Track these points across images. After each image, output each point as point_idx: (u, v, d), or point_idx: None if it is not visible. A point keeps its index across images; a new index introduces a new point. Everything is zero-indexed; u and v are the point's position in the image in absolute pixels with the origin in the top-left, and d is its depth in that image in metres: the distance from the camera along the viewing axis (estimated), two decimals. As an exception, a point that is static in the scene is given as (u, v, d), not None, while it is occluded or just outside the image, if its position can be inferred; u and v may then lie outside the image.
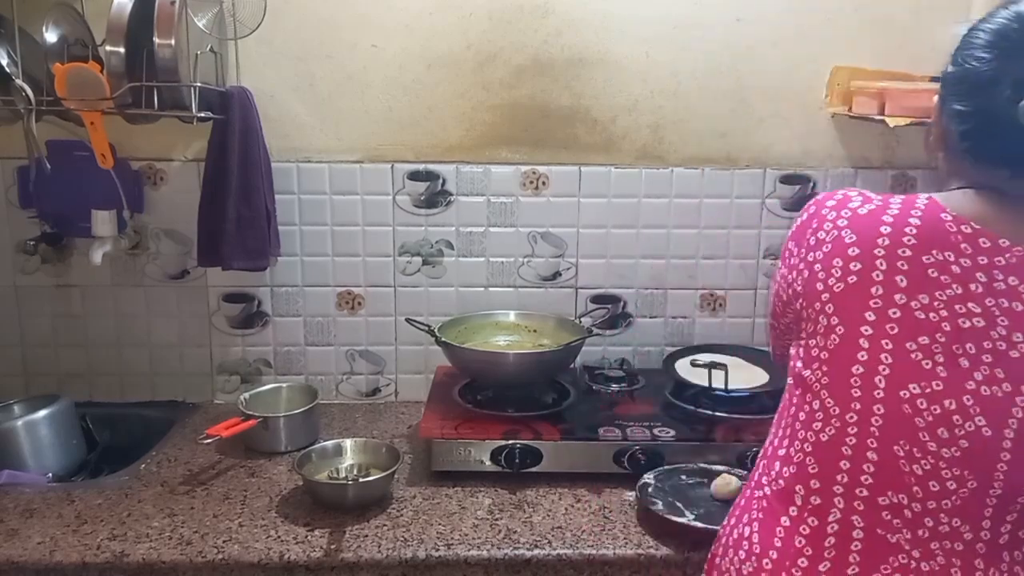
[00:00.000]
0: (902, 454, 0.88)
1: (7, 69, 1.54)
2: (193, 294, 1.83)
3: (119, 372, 1.87)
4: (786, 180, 1.83)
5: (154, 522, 1.37)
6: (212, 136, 1.66)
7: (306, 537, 1.33)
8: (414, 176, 1.80)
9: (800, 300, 0.96)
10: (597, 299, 1.88)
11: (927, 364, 0.87)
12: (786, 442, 0.98)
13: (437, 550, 1.30)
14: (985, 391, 0.86)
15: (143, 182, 1.77)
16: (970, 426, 0.86)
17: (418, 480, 1.52)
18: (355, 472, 1.50)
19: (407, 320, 1.78)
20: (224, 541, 1.31)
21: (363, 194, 1.80)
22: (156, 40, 1.46)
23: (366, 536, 1.33)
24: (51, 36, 1.52)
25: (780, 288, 1.03)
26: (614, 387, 1.73)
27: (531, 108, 1.78)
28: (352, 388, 1.91)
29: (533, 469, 1.50)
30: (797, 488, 0.94)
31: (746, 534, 1.00)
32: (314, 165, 1.78)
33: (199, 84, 1.52)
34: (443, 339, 1.64)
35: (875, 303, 0.88)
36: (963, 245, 0.88)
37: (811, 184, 1.83)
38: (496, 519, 1.39)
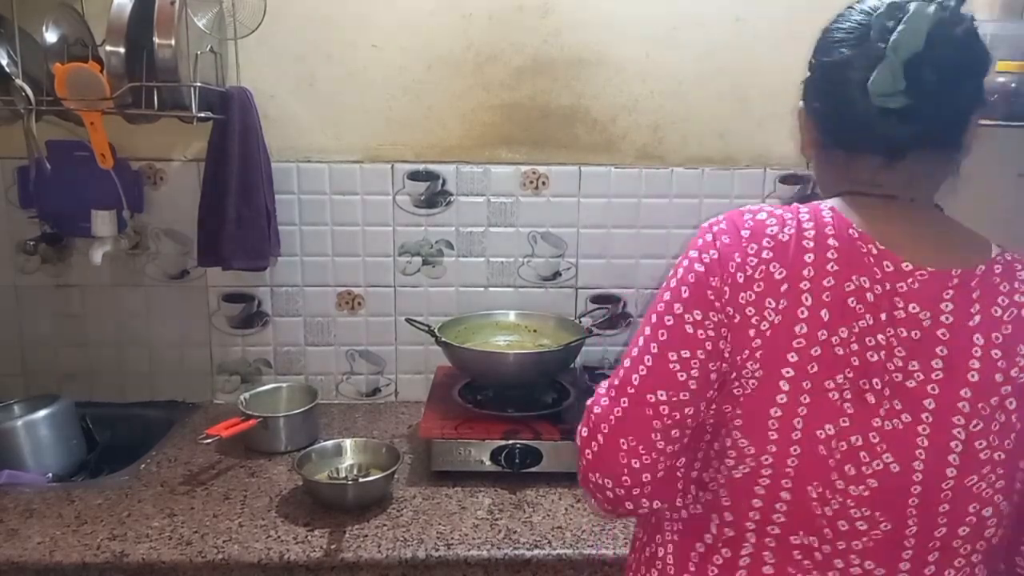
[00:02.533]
0: (815, 495, 0.83)
1: (7, 69, 1.54)
2: (193, 294, 1.83)
3: (119, 372, 1.87)
4: (786, 180, 1.83)
5: (154, 522, 1.37)
6: (212, 136, 1.66)
7: (306, 537, 1.33)
8: (414, 176, 1.80)
9: (728, 352, 0.85)
10: (597, 299, 1.88)
11: (838, 402, 0.82)
12: (699, 465, 0.92)
13: (437, 550, 1.30)
14: (888, 426, 0.82)
15: (143, 182, 1.77)
16: (878, 464, 0.82)
17: (418, 480, 1.52)
18: (355, 472, 1.50)
19: (407, 320, 1.79)
20: (224, 541, 1.31)
21: (363, 194, 1.80)
22: (156, 40, 1.46)
23: (366, 536, 1.33)
24: (51, 36, 1.52)
25: (689, 339, 0.86)
26: (614, 387, 1.73)
27: (531, 108, 1.78)
28: (352, 388, 1.91)
29: (533, 469, 1.50)
30: (712, 516, 0.90)
31: (660, 554, 0.96)
32: (314, 165, 1.78)
33: (199, 84, 1.52)
34: (443, 339, 1.64)
35: (798, 343, 0.82)
36: (875, 269, 0.83)
37: (811, 184, 1.83)
38: (496, 519, 1.39)
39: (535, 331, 1.81)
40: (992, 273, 0.84)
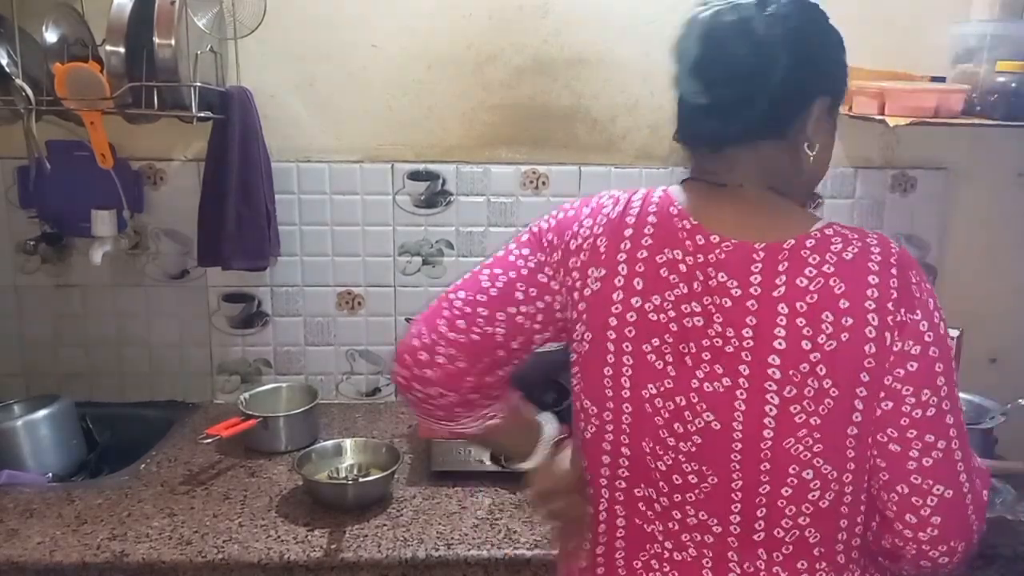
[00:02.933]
0: (648, 450, 0.91)
1: (7, 69, 1.54)
2: (193, 294, 1.83)
3: (119, 372, 1.87)
4: (786, 180, 1.83)
5: (154, 522, 1.37)
6: (212, 136, 1.66)
7: (306, 537, 1.33)
8: (414, 176, 1.80)
9: (559, 300, 0.96)
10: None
11: (659, 364, 0.89)
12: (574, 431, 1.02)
13: (437, 550, 1.30)
14: (708, 387, 0.88)
15: (143, 182, 1.77)
16: (699, 422, 0.89)
17: (418, 480, 1.52)
18: (355, 472, 1.50)
19: (407, 320, 1.79)
20: (224, 541, 1.31)
21: (363, 194, 1.80)
22: (156, 40, 1.46)
23: (366, 536, 1.33)
24: (51, 36, 1.52)
25: (507, 263, 0.98)
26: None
27: (531, 108, 1.78)
28: (352, 388, 1.91)
29: (533, 469, 1.50)
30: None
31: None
32: (314, 165, 1.78)
33: (199, 84, 1.52)
34: (443, 339, 1.64)
35: (616, 308, 0.90)
36: (687, 242, 0.90)
37: (811, 184, 1.82)
38: (496, 519, 1.39)
39: (535, 331, 1.81)
40: (802, 246, 0.88)
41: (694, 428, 0.89)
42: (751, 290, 0.87)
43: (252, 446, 1.63)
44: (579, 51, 1.75)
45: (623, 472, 0.93)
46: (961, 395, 0.94)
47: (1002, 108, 1.58)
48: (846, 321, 0.84)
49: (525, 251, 0.98)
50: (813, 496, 0.88)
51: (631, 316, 0.90)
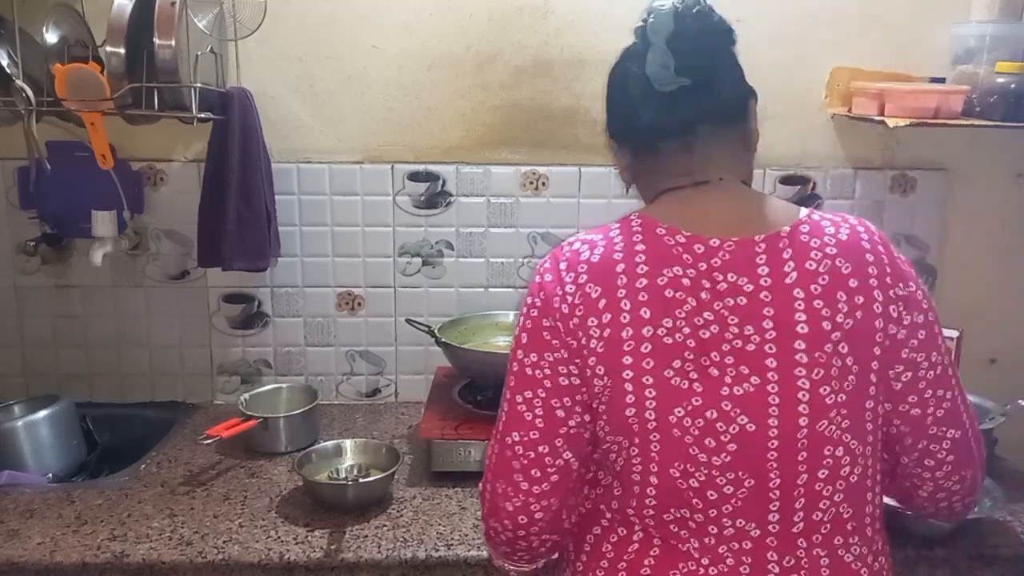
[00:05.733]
0: (677, 474, 0.90)
1: (7, 70, 1.54)
2: (193, 295, 1.83)
3: (119, 372, 1.87)
4: (786, 180, 1.83)
5: (154, 522, 1.37)
6: (212, 137, 1.66)
7: (306, 537, 1.33)
8: (414, 177, 1.80)
9: (576, 380, 0.93)
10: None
11: (684, 385, 0.88)
12: (594, 467, 0.99)
13: (437, 550, 1.30)
14: (738, 391, 0.88)
15: (143, 183, 1.77)
16: (734, 428, 0.88)
17: (418, 481, 1.52)
18: (355, 473, 1.50)
19: (407, 321, 1.79)
20: (224, 542, 1.31)
21: (363, 195, 1.80)
22: (156, 41, 1.46)
23: (366, 536, 1.33)
24: (51, 37, 1.52)
25: (528, 380, 0.93)
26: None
27: (531, 109, 1.78)
28: (352, 389, 1.91)
29: (533, 469, 1.50)
30: (604, 507, 0.97)
31: (564, 552, 1.05)
32: (314, 166, 1.78)
33: (199, 85, 1.52)
34: (443, 340, 1.64)
35: (628, 346, 0.89)
36: (685, 256, 0.90)
37: (811, 184, 1.83)
38: (496, 519, 1.39)
39: (535, 332, 1.81)
40: (799, 233, 0.91)
41: (727, 437, 0.89)
42: (762, 282, 0.89)
43: (252, 447, 1.63)
44: (579, 52, 1.75)
45: (651, 501, 0.92)
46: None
47: (1001, 109, 1.58)
48: (857, 299, 0.89)
49: (533, 357, 0.94)
50: (844, 472, 0.91)
51: (645, 347, 0.89)
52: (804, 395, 0.88)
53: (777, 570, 0.91)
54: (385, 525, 1.37)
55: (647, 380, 0.89)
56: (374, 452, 1.54)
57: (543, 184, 1.81)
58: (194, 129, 1.64)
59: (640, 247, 0.92)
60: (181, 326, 1.85)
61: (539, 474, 0.93)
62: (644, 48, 0.93)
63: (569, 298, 0.92)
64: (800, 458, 0.89)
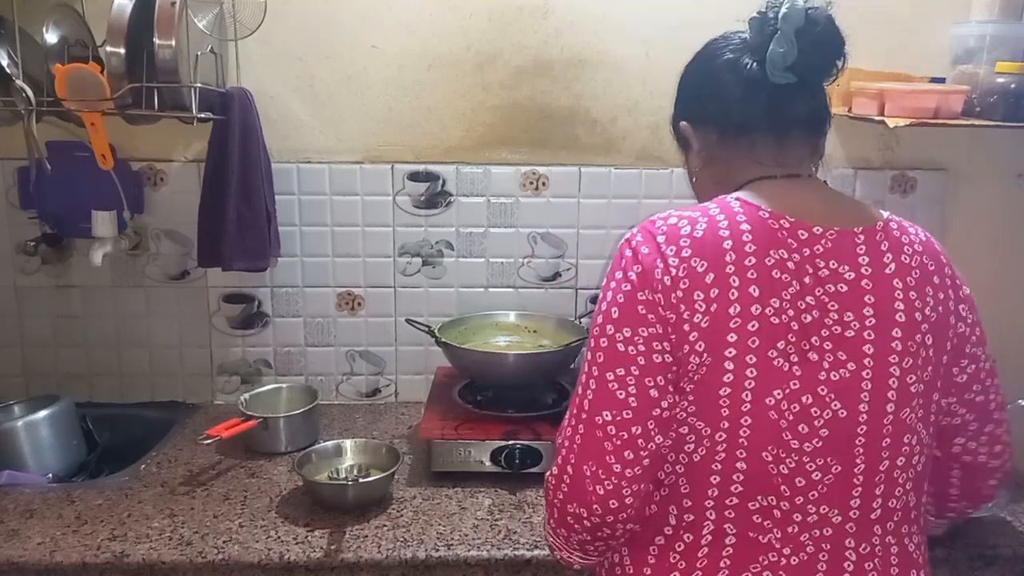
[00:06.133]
0: (770, 459, 0.89)
1: (7, 70, 1.54)
2: (193, 295, 1.83)
3: (119, 372, 1.87)
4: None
5: (154, 522, 1.37)
6: (212, 137, 1.66)
7: (306, 537, 1.33)
8: (414, 177, 1.80)
9: (668, 357, 0.90)
10: (597, 300, 1.88)
11: (785, 367, 0.89)
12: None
13: (437, 550, 1.30)
14: (835, 376, 0.90)
15: (143, 183, 1.77)
16: (827, 414, 0.90)
17: (418, 481, 1.52)
18: (355, 473, 1.50)
19: (407, 321, 1.79)
20: (224, 542, 1.31)
21: (363, 195, 1.80)
22: (156, 41, 1.46)
23: (366, 537, 1.33)
24: (51, 37, 1.52)
25: (620, 357, 0.90)
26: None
27: (531, 109, 1.78)
28: (352, 389, 1.91)
29: (533, 469, 1.50)
30: (670, 509, 0.94)
31: (616, 560, 1.00)
32: (314, 166, 1.78)
33: (199, 85, 1.52)
34: (443, 340, 1.64)
35: (735, 323, 0.87)
36: (789, 240, 0.91)
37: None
38: (496, 519, 1.39)
39: (535, 332, 1.81)
40: (890, 228, 0.96)
41: (821, 422, 0.89)
42: (863, 271, 0.92)
43: (252, 447, 1.63)
44: (579, 52, 1.75)
45: (736, 488, 0.90)
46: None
47: (1001, 109, 1.58)
48: (940, 295, 0.95)
49: (626, 332, 0.90)
50: (915, 460, 0.94)
51: (752, 325, 0.88)
52: (894, 382, 0.91)
53: (854, 557, 0.92)
54: (385, 525, 1.37)
55: (750, 359, 0.88)
56: (374, 452, 1.54)
57: (543, 184, 1.81)
58: (194, 129, 1.64)
59: (746, 227, 0.91)
60: (181, 326, 1.85)
61: (632, 456, 0.89)
62: (761, 39, 0.96)
63: (672, 270, 0.89)
64: (884, 444, 0.91)
